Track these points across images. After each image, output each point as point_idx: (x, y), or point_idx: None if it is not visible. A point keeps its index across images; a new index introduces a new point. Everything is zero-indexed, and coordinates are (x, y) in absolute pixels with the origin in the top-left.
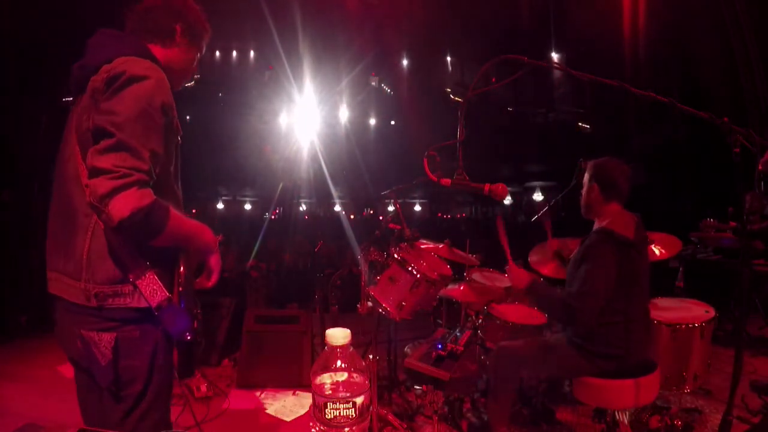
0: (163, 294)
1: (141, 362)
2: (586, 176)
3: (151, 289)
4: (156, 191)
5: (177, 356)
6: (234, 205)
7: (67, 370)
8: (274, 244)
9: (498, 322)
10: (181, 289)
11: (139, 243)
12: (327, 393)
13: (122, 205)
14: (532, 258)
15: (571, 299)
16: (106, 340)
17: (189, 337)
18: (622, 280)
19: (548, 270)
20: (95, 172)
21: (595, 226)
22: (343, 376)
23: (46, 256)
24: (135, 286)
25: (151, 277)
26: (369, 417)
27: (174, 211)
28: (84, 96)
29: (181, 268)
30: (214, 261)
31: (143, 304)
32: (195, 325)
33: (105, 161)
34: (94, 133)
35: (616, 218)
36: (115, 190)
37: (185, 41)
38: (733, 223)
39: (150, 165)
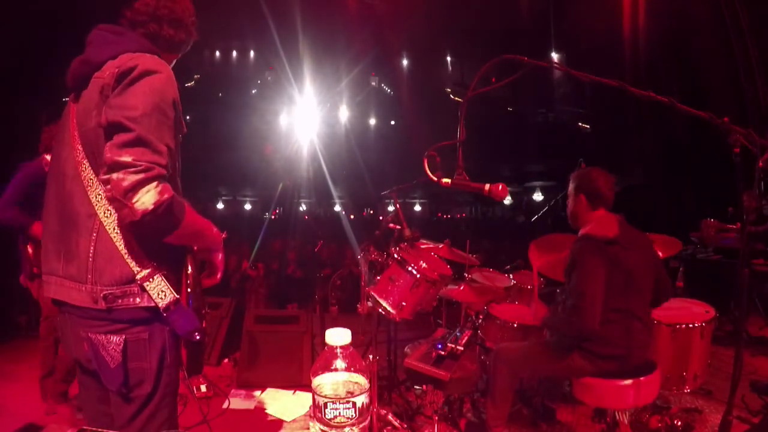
0: (172, 296)
1: (150, 363)
2: (571, 187)
3: (159, 291)
4: None
5: (186, 355)
6: (234, 205)
7: None
8: (274, 244)
9: (498, 322)
10: (189, 290)
11: (150, 242)
12: (327, 393)
13: (146, 199)
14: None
15: (571, 315)
16: (114, 342)
17: (198, 337)
18: (614, 279)
19: (548, 270)
20: (116, 167)
21: (579, 233)
22: (343, 376)
23: (42, 259)
24: (143, 289)
25: (159, 278)
26: (369, 417)
27: (188, 206)
28: (86, 93)
29: (189, 269)
30: (219, 258)
31: (153, 303)
32: (203, 324)
33: (125, 155)
34: (107, 128)
35: (598, 222)
36: (139, 184)
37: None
38: (735, 224)
39: (167, 159)
